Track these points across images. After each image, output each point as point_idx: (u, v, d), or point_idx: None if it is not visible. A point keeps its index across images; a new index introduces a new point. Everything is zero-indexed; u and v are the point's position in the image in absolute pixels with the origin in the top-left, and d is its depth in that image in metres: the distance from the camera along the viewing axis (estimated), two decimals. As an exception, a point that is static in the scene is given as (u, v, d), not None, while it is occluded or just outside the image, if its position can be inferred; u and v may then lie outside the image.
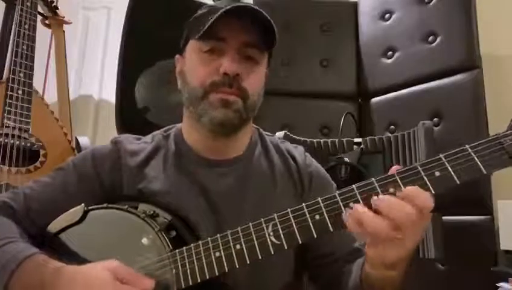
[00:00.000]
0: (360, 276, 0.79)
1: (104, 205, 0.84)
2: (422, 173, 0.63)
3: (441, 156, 0.62)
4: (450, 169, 0.62)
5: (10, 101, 1.59)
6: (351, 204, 0.64)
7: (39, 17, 1.87)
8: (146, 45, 1.85)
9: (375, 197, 0.62)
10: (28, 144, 1.60)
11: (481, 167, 0.60)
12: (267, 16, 0.84)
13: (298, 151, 1.00)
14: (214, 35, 0.85)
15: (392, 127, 1.90)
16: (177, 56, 0.97)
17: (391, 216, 0.60)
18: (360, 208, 0.63)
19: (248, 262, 0.70)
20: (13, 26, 1.75)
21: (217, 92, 0.85)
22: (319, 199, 0.67)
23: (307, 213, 0.67)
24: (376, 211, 0.62)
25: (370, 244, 0.67)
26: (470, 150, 0.61)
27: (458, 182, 0.61)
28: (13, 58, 1.65)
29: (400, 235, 0.61)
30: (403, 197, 0.61)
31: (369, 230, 0.61)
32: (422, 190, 0.61)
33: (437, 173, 0.62)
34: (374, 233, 0.61)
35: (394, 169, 0.65)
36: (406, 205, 0.60)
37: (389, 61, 1.98)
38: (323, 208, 0.66)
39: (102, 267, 0.70)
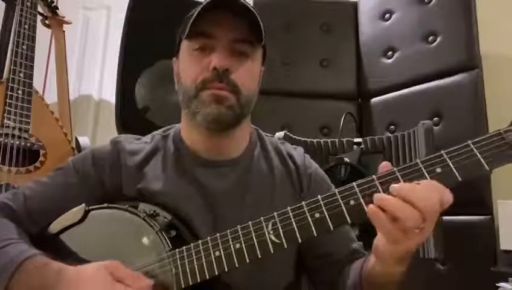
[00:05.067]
0: (360, 275, 0.79)
1: (105, 205, 0.84)
2: (424, 170, 0.62)
3: (443, 152, 0.62)
4: (451, 165, 0.61)
5: (10, 101, 1.59)
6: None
7: (39, 17, 1.86)
8: (146, 45, 1.86)
9: (401, 185, 0.62)
10: (28, 144, 1.59)
11: (483, 162, 0.60)
12: (251, 8, 0.84)
13: (297, 152, 1.00)
14: (201, 32, 0.85)
15: (392, 127, 1.90)
16: (174, 58, 0.97)
17: (419, 204, 0.59)
18: (386, 197, 0.61)
19: (248, 261, 0.70)
20: (13, 26, 1.75)
21: (208, 88, 0.85)
22: (319, 197, 0.67)
23: (306, 212, 0.67)
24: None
25: (391, 238, 0.64)
26: (472, 145, 0.61)
27: (460, 178, 0.61)
28: (13, 58, 1.65)
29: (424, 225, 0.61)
30: (427, 185, 0.61)
31: (404, 223, 0.60)
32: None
33: (438, 170, 0.62)
34: (408, 223, 0.60)
35: (385, 165, 0.65)
36: (433, 195, 0.60)
37: (389, 61, 1.98)
38: (323, 206, 0.66)
39: (99, 267, 0.70)
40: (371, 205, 0.62)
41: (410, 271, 0.73)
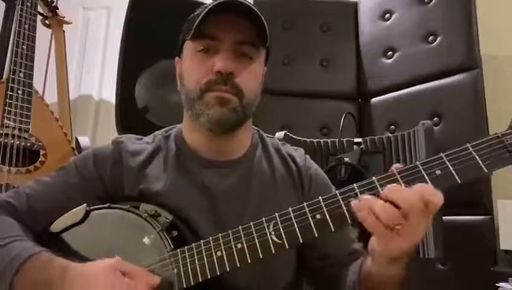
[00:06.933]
0: (359, 276, 0.79)
1: (106, 205, 0.84)
2: (423, 172, 0.63)
3: (442, 154, 0.63)
4: (450, 168, 0.62)
5: (10, 101, 1.59)
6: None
7: (39, 17, 1.86)
8: (146, 45, 1.85)
9: (387, 186, 0.63)
10: (28, 144, 1.59)
11: (482, 165, 0.61)
12: (257, 11, 0.84)
13: (298, 153, 1.00)
14: (206, 33, 0.85)
15: (392, 127, 1.91)
16: (176, 58, 0.97)
17: (400, 203, 0.61)
18: (369, 196, 0.64)
19: (249, 261, 0.70)
20: (13, 26, 1.75)
21: (212, 90, 0.85)
22: (320, 198, 0.68)
23: (307, 212, 0.67)
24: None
25: (378, 234, 0.66)
26: (471, 148, 0.62)
27: (459, 181, 0.61)
28: (13, 58, 1.65)
29: (407, 223, 0.62)
30: (415, 186, 0.62)
31: (381, 216, 0.62)
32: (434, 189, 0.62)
33: (438, 172, 0.62)
34: (385, 219, 0.62)
35: (394, 167, 0.65)
36: (415, 193, 0.61)
37: (389, 61, 1.98)
38: (324, 207, 0.66)
39: (106, 264, 0.71)
40: (354, 202, 0.65)
41: (409, 273, 0.73)
